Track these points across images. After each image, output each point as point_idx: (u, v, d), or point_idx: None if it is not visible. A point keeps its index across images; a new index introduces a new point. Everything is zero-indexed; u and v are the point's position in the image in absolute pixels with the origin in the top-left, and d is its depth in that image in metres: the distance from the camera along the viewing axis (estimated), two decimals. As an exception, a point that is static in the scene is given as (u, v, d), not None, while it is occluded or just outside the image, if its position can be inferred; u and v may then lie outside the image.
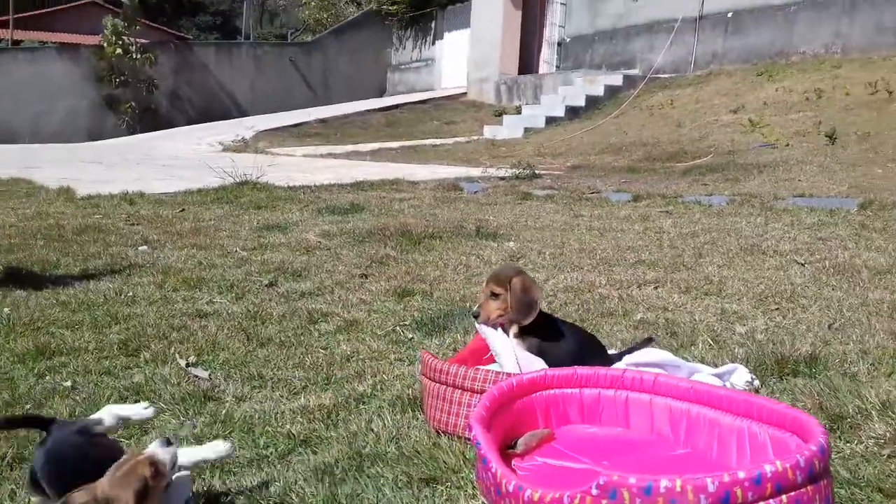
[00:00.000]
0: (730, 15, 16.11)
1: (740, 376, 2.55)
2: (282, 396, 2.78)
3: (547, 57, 20.61)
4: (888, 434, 2.16)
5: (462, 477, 2.03)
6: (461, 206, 7.35)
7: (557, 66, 20.10)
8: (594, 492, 1.51)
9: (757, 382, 2.58)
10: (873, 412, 2.30)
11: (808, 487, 1.50)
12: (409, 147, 15.46)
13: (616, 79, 16.80)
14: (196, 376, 2.97)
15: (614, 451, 2.00)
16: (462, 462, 2.10)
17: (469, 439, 2.22)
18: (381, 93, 26.62)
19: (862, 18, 13.87)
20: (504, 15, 20.31)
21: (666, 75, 16.69)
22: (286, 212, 7.02)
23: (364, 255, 5.09)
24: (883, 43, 13.46)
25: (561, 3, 19.95)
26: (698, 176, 8.81)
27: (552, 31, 20.45)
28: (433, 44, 25.17)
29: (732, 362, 2.79)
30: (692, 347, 3.06)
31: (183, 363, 3.08)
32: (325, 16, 28.69)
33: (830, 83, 12.77)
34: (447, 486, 2.02)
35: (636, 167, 10.19)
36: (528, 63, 20.92)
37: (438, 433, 2.32)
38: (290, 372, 3.02)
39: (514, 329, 2.43)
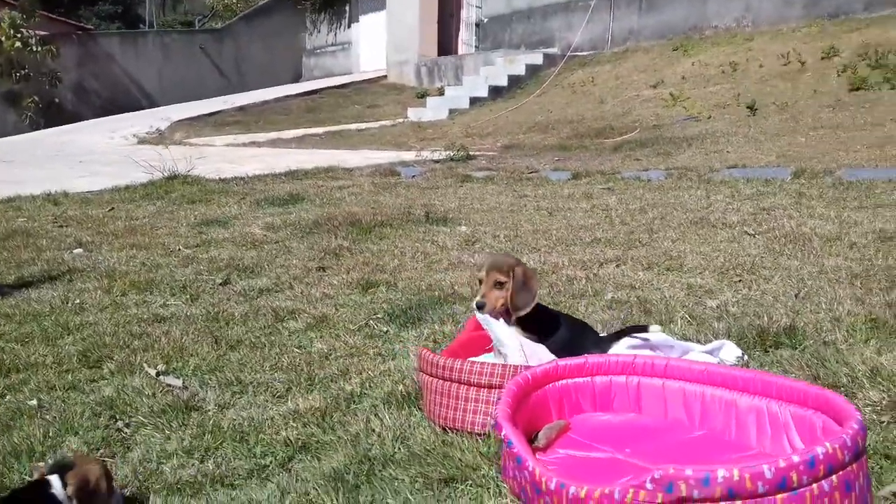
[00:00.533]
0: (643, -9, 16.42)
1: (729, 352, 2.58)
2: (266, 401, 2.67)
3: (466, 38, 20.59)
4: (884, 401, 2.22)
5: (482, 475, 1.98)
6: (402, 191, 7.26)
7: (476, 47, 20.11)
8: (649, 486, 1.49)
9: (745, 357, 2.61)
10: (864, 380, 2.36)
11: (853, 465, 1.51)
12: (333, 132, 15.20)
13: (536, 58, 16.92)
14: (170, 385, 2.82)
15: (632, 438, 1.99)
16: (479, 459, 2.05)
17: (481, 435, 2.18)
18: (297, 78, 26.08)
19: (770, -8, 14.35)
20: (420, -3, 20.16)
21: (584, 53, 16.91)
22: (222, 205, 6.79)
23: (316, 248, 4.96)
24: (791, 15, 13.97)
25: (478, -16, 19.94)
26: (630, 151, 8.96)
27: (469, 12, 20.42)
28: (349, 27, 24.78)
29: (715, 337, 2.83)
30: (671, 325, 3.08)
31: (153, 372, 2.92)
32: (234, 1, 27.81)
33: (744, 56, 13.19)
34: (468, 485, 1.97)
35: (567, 145, 10.29)
36: (446, 44, 20.84)
37: (445, 430, 2.26)
38: (269, 374, 2.90)
39: (513, 319, 2.39)
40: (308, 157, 10.63)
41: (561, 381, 2.11)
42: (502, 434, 1.79)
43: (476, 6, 20.08)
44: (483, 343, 2.60)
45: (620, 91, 13.83)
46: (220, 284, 4.21)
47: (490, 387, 2.19)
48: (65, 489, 1.71)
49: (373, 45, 23.17)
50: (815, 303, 3.21)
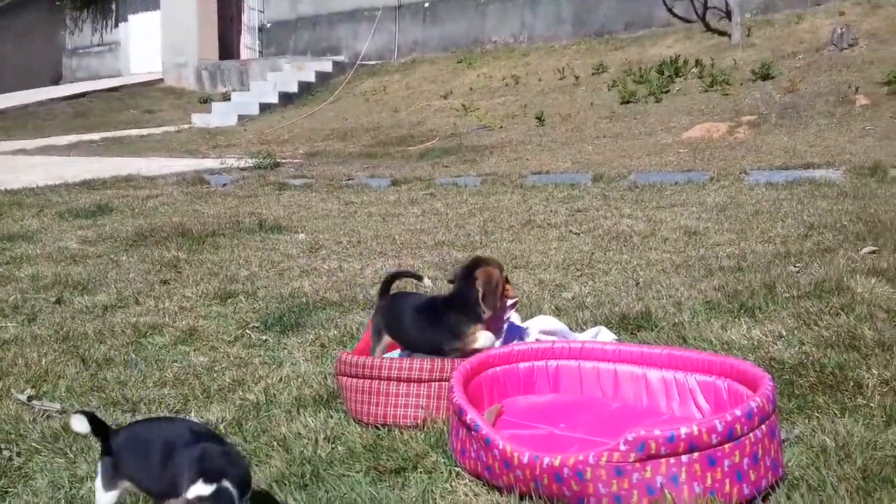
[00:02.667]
0: (426, 5, 17.08)
1: (606, 335, 2.89)
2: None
3: (249, 42, 20.12)
4: (743, 367, 2.62)
5: (432, 461, 2.08)
6: (220, 199, 7.04)
7: (260, 52, 19.74)
8: (622, 447, 1.69)
9: (618, 340, 2.93)
10: (723, 352, 2.76)
11: (774, 415, 1.82)
12: (112, 139, 14.21)
13: (326, 65, 16.97)
14: (46, 409, 2.61)
15: (561, 415, 2.20)
16: (425, 447, 2.15)
17: (414, 427, 2.28)
18: (57, 79, 23.95)
19: (543, 10, 15.56)
20: (198, -2, 19.41)
21: (372, 62, 17.24)
22: (18, 219, 6.19)
23: (149, 260, 4.72)
24: (561, 33, 15.25)
25: (258, -12, 19.58)
26: (436, 159, 9.33)
27: (251, 16, 20.00)
28: (116, 26, 23.21)
29: (585, 325, 3.14)
30: (539, 313, 3.35)
31: (23, 398, 2.68)
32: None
33: (524, 70, 14.20)
34: (419, 472, 2.06)
35: (372, 153, 10.48)
36: (228, 48, 20.24)
37: (377, 427, 2.33)
38: (158, 391, 2.77)
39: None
40: (95, 165, 9.91)
41: (491, 369, 2.27)
42: (468, 419, 1.91)
43: (259, 10, 19.70)
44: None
45: (413, 101, 14.30)
46: (55, 303, 3.89)
47: (419, 381, 2.30)
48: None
49: (145, 47, 21.90)
50: (655, 290, 3.64)
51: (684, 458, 1.69)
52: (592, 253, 4.48)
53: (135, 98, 19.14)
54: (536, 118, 10.78)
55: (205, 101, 17.29)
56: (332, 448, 2.25)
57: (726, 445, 1.71)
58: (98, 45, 23.79)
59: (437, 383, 2.27)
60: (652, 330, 3.13)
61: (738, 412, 1.74)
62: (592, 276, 4.01)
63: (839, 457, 1.95)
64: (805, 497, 1.75)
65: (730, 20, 12.29)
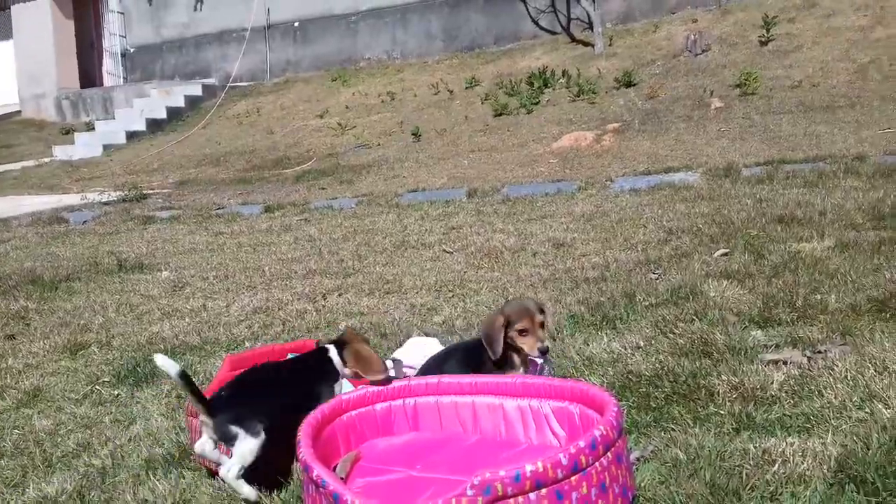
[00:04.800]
0: (296, 24, 16.83)
1: (420, 343, 2.88)
2: (2, 494, 2.34)
3: (111, 68, 19.25)
4: (604, 383, 2.65)
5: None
6: (78, 239, 6.65)
7: (125, 78, 18.91)
8: (469, 492, 1.64)
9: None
10: (584, 368, 2.79)
11: (619, 441, 1.82)
12: (-36, 178, 13.25)
13: (195, 89, 16.44)
14: None
15: (418, 455, 2.13)
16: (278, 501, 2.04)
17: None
18: None
19: (414, 27, 15.63)
20: (54, 25, 18.41)
21: (244, 83, 16.83)
22: None
23: (-6, 313, 4.38)
24: (433, 48, 15.36)
25: (119, 13, 18.79)
26: (312, 181, 9.17)
27: (112, 41, 19.15)
28: (-35, 57, 21.71)
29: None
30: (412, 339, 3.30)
31: None
32: None
33: (399, 86, 14.20)
34: (275, 535, 1.96)
35: (246, 178, 10.19)
36: (90, 75, 19.30)
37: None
38: (-8, 464, 2.55)
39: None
40: (-58, 208, 9.19)
41: (346, 413, 2.19)
42: (314, 475, 1.82)
43: (120, 35, 18.89)
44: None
45: (288, 121, 14.04)
46: None
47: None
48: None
49: (-1, 78, 20.62)
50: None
51: (532, 495, 1.66)
52: (465, 272, 4.47)
53: (-9, 132, 17.95)
54: (413, 134, 10.78)
55: (67, 133, 16.39)
56: (185, 511, 2.11)
57: (573, 478, 1.69)
58: (-56, 77, 22.18)
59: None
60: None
61: (581, 443, 1.72)
62: (464, 297, 4.00)
63: (689, 471, 1.98)
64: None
65: (592, 31, 12.71)
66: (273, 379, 2.26)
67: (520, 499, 1.66)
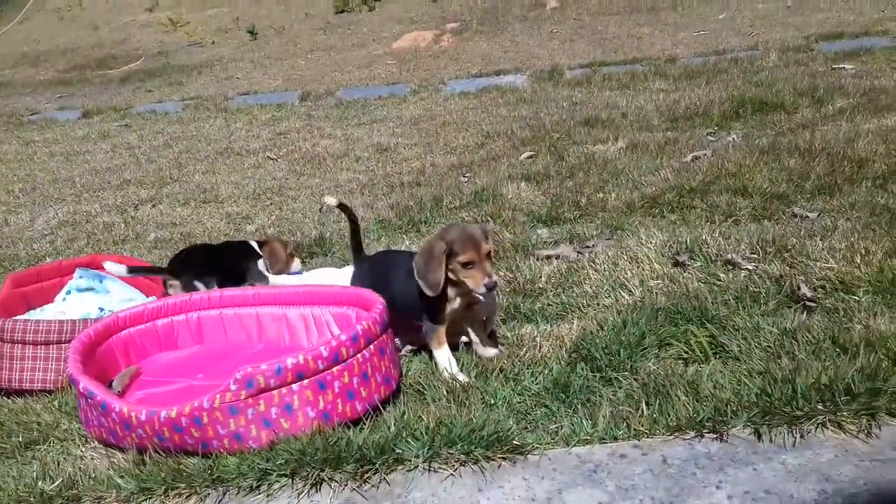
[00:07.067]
0: None
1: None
2: None
3: None
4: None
5: (64, 430, 2.01)
6: None
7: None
8: (233, 387, 1.74)
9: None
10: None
11: (384, 336, 1.96)
12: None
13: (8, -22, 14.90)
14: None
15: (202, 366, 2.20)
16: (58, 416, 2.07)
17: (50, 392, 2.20)
18: None
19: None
20: None
21: (66, -28, 15.41)
22: None
23: None
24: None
25: None
26: (139, 83, 8.68)
27: None
28: None
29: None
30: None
31: None
32: None
33: (237, -23, 13.45)
34: (51, 443, 1.98)
35: (67, 79, 9.50)
36: None
37: (9, 396, 2.21)
38: None
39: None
40: None
41: (123, 331, 2.21)
42: (81, 388, 1.86)
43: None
44: (25, 300, 2.54)
45: (114, 15, 13.08)
46: None
47: (47, 343, 2.20)
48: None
49: None
50: (337, 214, 3.72)
51: (295, 386, 1.78)
52: (286, 179, 4.47)
53: None
54: (249, 32, 10.35)
55: None
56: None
57: (335, 369, 1.82)
58: None
59: (68, 345, 2.17)
60: (326, 255, 3.22)
61: (343, 337, 1.85)
62: (280, 205, 4.01)
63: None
64: (409, 404, 1.92)
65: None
66: (211, 255, 2.78)
67: (283, 390, 1.77)
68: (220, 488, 1.73)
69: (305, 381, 1.79)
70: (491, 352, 2.14)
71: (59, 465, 1.87)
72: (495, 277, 1.99)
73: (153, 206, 4.16)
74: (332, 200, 2.38)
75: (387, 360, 1.96)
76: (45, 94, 8.58)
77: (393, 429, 1.78)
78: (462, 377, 2.03)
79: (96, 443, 1.94)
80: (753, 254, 2.55)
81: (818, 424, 1.65)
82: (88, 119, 6.78)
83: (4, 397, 2.22)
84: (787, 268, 2.40)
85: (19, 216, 4.16)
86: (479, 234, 1.99)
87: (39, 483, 1.77)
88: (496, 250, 2.20)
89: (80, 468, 1.82)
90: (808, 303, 2.19)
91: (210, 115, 6.50)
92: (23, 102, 8.04)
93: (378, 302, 2.05)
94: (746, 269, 2.47)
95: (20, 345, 2.18)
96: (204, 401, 1.76)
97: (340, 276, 2.65)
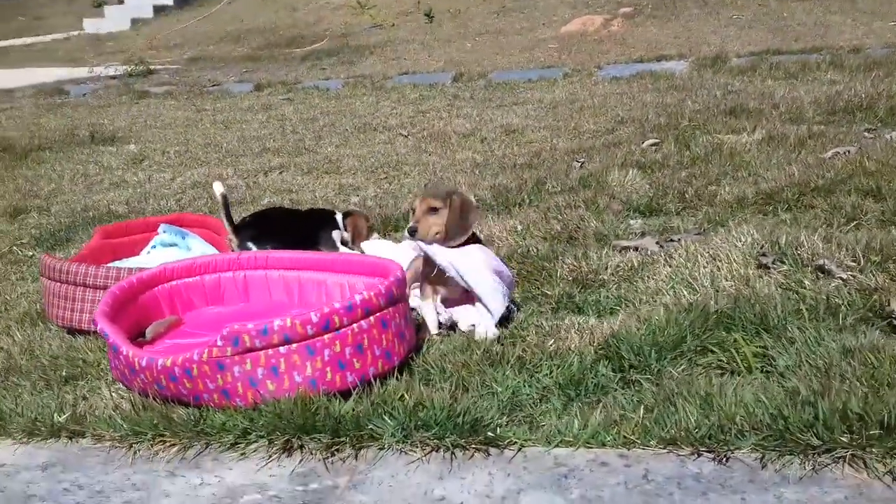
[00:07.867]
0: None
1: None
2: None
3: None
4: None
5: (102, 369, 2.13)
6: (69, 111, 6.82)
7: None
8: (219, 343, 1.75)
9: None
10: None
11: (390, 309, 1.89)
12: (-4, 49, 13.52)
13: (225, -38, 16.17)
14: None
15: (239, 322, 2.24)
16: (100, 355, 2.19)
17: (96, 333, 2.33)
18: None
19: None
20: None
21: (276, -42, 16.48)
22: None
23: (-41, 178, 4.60)
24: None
25: None
26: (316, 61, 9.10)
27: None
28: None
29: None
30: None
31: None
32: None
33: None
34: (88, 380, 2.10)
35: (257, 56, 10.16)
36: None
37: (73, 334, 2.37)
38: None
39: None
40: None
41: (170, 282, 2.29)
42: (98, 328, 1.95)
43: None
44: (112, 252, 2.71)
45: (312, -2, 13.80)
46: None
47: (104, 288, 2.32)
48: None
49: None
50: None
51: (282, 349, 1.76)
52: (407, 155, 4.48)
53: (24, 4, 18.10)
54: (426, 15, 10.52)
55: (99, 5, 16.39)
56: (22, 361, 2.27)
57: (325, 336, 1.78)
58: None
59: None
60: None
61: (336, 305, 1.80)
62: (392, 179, 4.03)
63: (464, 344, 2.03)
64: (406, 382, 1.83)
65: None
66: (283, 220, 2.85)
67: (269, 351, 1.76)
68: (203, 441, 1.75)
69: (294, 346, 1.77)
70: (479, 333, 2.08)
71: (85, 400, 1.98)
72: (413, 224, 2.14)
73: (280, 173, 4.33)
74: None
75: (390, 334, 1.89)
76: (235, 69, 9.22)
77: (371, 405, 1.71)
78: (433, 328, 2.16)
79: (119, 385, 2.03)
80: (854, 262, 2.20)
81: (837, 459, 1.38)
82: (259, 92, 7.20)
83: (68, 334, 2.38)
84: (889, 280, 2.05)
85: (163, 175, 4.48)
86: (432, 189, 2.27)
87: (55, 415, 1.88)
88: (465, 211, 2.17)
89: (90, 405, 1.91)
90: (894, 321, 1.85)
91: (365, 93, 6.68)
92: (212, 75, 8.69)
93: (394, 272, 1.99)
94: (840, 277, 2.13)
95: (81, 287, 2.33)
96: (194, 353, 1.78)
97: (396, 250, 2.62)
